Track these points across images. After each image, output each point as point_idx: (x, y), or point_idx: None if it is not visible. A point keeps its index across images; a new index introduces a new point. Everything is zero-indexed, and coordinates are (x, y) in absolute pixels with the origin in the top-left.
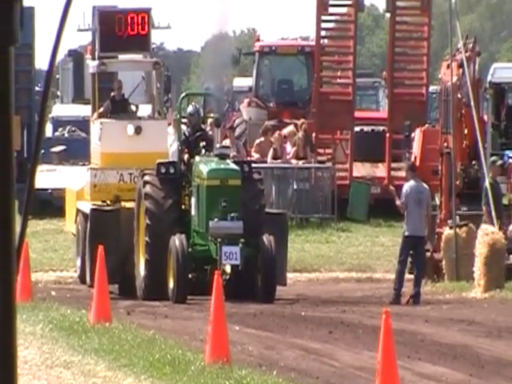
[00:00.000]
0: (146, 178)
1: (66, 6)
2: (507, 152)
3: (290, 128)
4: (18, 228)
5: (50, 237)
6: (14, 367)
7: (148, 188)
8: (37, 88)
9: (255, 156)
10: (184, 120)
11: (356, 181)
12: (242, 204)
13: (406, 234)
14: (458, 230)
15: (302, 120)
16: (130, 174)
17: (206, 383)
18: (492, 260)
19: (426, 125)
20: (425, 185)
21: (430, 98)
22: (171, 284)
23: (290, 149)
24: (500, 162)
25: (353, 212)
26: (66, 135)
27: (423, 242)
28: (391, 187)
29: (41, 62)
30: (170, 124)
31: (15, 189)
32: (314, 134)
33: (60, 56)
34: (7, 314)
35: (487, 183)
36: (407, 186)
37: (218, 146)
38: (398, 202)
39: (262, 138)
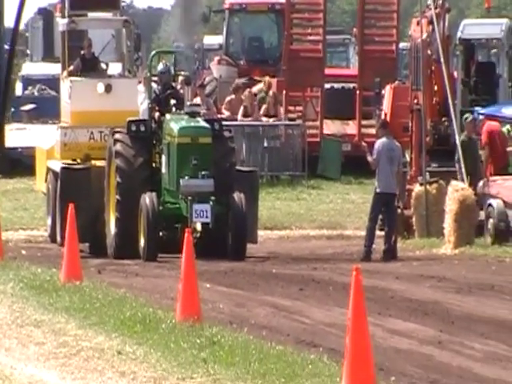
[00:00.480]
0: (117, 136)
1: None
2: (477, 108)
3: (260, 86)
4: None
5: (21, 196)
6: None
7: (118, 146)
8: (6, 47)
9: (226, 113)
10: (154, 78)
11: (327, 138)
12: (212, 162)
13: (378, 190)
14: (428, 186)
15: (267, 78)
16: (101, 133)
17: (176, 341)
18: (462, 216)
19: (396, 82)
20: (397, 142)
21: (400, 54)
22: (142, 242)
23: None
24: (471, 118)
25: (325, 169)
26: (36, 94)
27: (394, 199)
28: (363, 143)
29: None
30: (140, 82)
31: None
32: (284, 92)
33: (30, 14)
34: None
35: (457, 140)
36: (379, 143)
37: (188, 103)
38: (369, 159)
39: (233, 96)
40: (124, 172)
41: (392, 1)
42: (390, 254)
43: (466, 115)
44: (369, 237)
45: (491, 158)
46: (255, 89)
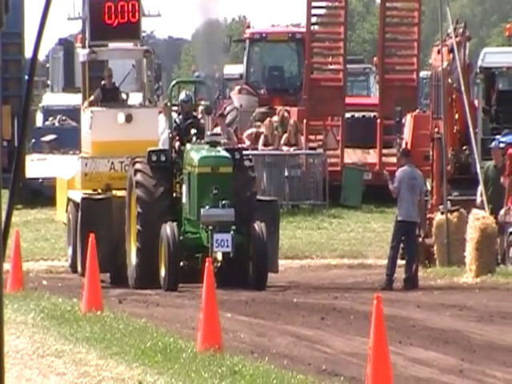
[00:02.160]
0: (137, 166)
1: None
2: (498, 137)
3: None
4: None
5: (41, 226)
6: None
7: (139, 176)
8: (27, 77)
9: (247, 143)
10: (175, 108)
11: (349, 167)
12: (233, 191)
13: (399, 218)
14: (449, 215)
15: (280, 107)
16: (121, 163)
17: (197, 371)
18: (483, 245)
19: (417, 110)
20: (419, 171)
21: (420, 83)
22: (163, 272)
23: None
24: (494, 145)
25: (346, 198)
26: (57, 124)
27: (415, 228)
28: (385, 171)
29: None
30: (160, 112)
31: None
32: (304, 121)
33: (50, 45)
34: None
35: (478, 168)
36: (401, 171)
37: (208, 133)
38: (391, 187)
39: (254, 129)
40: (145, 202)
41: (413, 30)
42: (411, 283)
43: (494, 143)
44: (390, 265)
45: None
46: (275, 118)
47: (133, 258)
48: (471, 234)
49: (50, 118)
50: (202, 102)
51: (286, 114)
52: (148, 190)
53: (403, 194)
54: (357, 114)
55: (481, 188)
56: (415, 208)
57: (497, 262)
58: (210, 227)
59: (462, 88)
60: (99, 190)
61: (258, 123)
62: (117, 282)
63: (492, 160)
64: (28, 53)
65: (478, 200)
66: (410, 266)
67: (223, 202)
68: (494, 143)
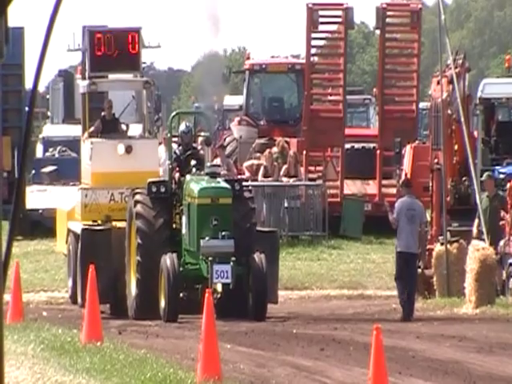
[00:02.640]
0: (137, 197)
1: (49, 27)
2: (497, 167)
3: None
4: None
5: (41, 257)
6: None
7: (139, 207)
8: (27, 108)
9: (247, 174)
10: (175, 139)
11: (349, 198)
12: (233, 222)
13: (398, 250)
14: (448, 246)
15: (280, 138)
16: (121, 194)
17: None
18: (483, 276)
19: (417, 141)
20: (419, 201)
21: (420, 114)
22: (162, 303)
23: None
24: (486, 176)
25: (346, 229)
26: (57, 155)
27: (415, 259)
28: (386, 202)
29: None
30: (160, 143)
31: (4, 209)
32: (304, 152)
33: (50, 76)
34: None
35: (478, 199)
36: (400, 202)
37: (208, 164)
38: (390, 218)
39: (254, 161)
40: (145, 233)
41: (412, 60)
42: (412, 314)
43: (486, 174)
44: (401, 296)
45: None
46: (275, 149)
47: (133, 289)
48: (471, 265)
49: (50, 149)
50: (202, 133)
51: (285, 145)
52: (148, 221)
53: (402, 225)
54: (356, 145)
55: (477, 220)
56: (414, 239)
57: (496, 293)
58: (210, 258)
59: (462, 119)
60: (99, 221)
61: (258, 154)
62: (117, 313)
63: (485, 191)
64: (28, 84)
65: (474, 231)
66: (411, 298)
67: (223, 233)
68: (485, 174)
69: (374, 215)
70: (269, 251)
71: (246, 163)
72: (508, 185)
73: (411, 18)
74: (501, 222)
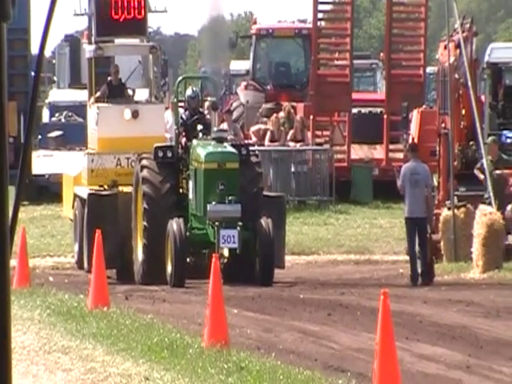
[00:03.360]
0: (144, 162)
1: None
2: (505, 132)
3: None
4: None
5: (48, 222)
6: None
7: (145, 172)
8: (33, 73)
9: (253, 139)
10: (181, 104)
11: (357, 165)
12: (239, 187)
13: (405, 215)
14: (456, 210)
15: (287, 103)
16: (128, 159)
17: (204, 366)
18: (490, 241)
19: (424, 106)
20: (424, 165)
21: (427, 79)
22: (169, 268)
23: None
24: (491, 140)
25: (357, 195)
26: (63, 120)
27: (423, 223)
28: (395, 168)
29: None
30: (167, 108)
31: (10, 174)
32: (311, 117)
33: (56, 41)
34: (2, 298)
35: (485, 164)
36: (404, 167)
37: (215, 129)
38: (398, 183)
39: (261, 125)
40: (151, 198)
41: (419, 25)
42: (426, 277)
43: (490, 138)
44: (411, 262)
45: None
46: (281, 114)
47: (139, 254)
48: (478, 230)
49: (57, 114)
50: (209, 98)
51: (292, 109)
52: (154, 186)
53: (407, 190)
54: (363, 110)
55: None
56: (420, 203)
57: (504, 258)
58: (217, 223)
59: (469, 83)
60: (105, 186)
61: (265, 119)
62: (123, 278)
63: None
64: (34, 49)
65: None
66: (424, 261)
67: (230, 197)
68: (489, 138)
69: (381, 180)
70: (276, 216)
71: (253, 128)
72: None
73: None
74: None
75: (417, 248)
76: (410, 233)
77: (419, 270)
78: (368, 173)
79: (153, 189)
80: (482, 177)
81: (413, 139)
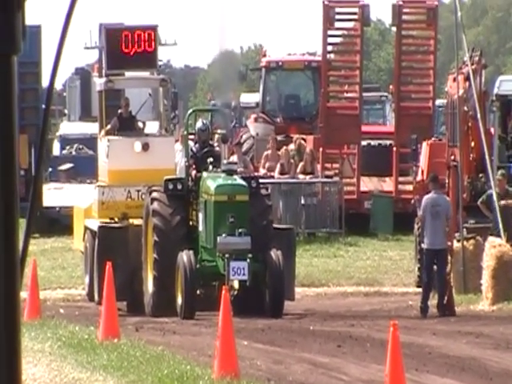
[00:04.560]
0: (154, 194)
1: (66, 23)
2: None
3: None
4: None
5: (58, 255)
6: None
7: (156, 205)
8: (44, 106)
9: (263, 171)
10: (191, 136)
11: (377, 195)
12: (249, 220)
13: (424, 247)
14: (465, 242)
15: (297, 136)
16: (138, 191)
17: None
18: (499, 272)
19: (433, 138)
20: (445, 197)
21: (436, 111)
22: (179, 300)
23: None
24: (500, 174)
25: (377, 227)
26: (74, 153)
27: (443, 254)
28: (416, 197)
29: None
30: (177, 140)
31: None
32: (320, 149)
33: (67, 74)
34: (12, 331)
35: (494, 196)
36: (425, 199)
37: (225, 161)
38: (419, 214)
39: (270, 151)
40: (161, 231)
41: (428, 58)
42: (443, 310)
43: (500, 172)
44: (424, 293)
45: None
46: (291, 147)
47: (149, 286)
48: (487, 262)
49: (67, 147)
50: (219, 131)
51: (302, 142)
52: (165, 218)
53: (427, 222)
54: (373, 142)
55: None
56: (441, 234)
57: None
58: (227, 255)
59: (478, 116)
60: (116, 219)
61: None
62: (133, 310)
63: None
64: (45, 82)
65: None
66: (442, 293)
67: (240, 230)
68: (499, 172)
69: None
70: (285, 248)
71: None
72: None
73: (427, 14)
74: None
75: (416, 280)
76: (428, 264)
77: (430, 302)
78: (389, 203)
79: (163, 221)
80: (485, 211)
81: (422, 172)
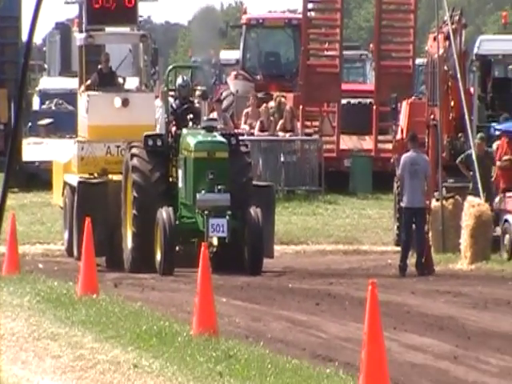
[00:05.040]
0: (134, 150)
1: None
2: (493, 124)
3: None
4: None
5: (38, 210)
6: None
7: (135, 161)
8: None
9: (243, 127)
10: (171, 93)
11: (357, 155)
12: (229, 177)
13: (403, 205)
14: (444, 202)
15: (277, 93)
16: (118, 147)
17: (192, 354)
18: (478, 232)
19: (413, 97)
20: (424, 156)
21: (416, 70)
22: (158, 256)
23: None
24: (479, 137)
25: (356, 186)
26: (54, 108)
27: (421, 213)
28: (395, 156)
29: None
30: (157, 97)
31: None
32: (300, 107)
33: (47, 29)
34: None
35: (473, 155)
36: (404, 157)
37: (205, 118)
38: (397, 173)
39: (250, 109)
40: (141, 187)
41: (409, 16)
42: (422, 268)
43: (479, 135)
44: (403, 252)
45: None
46: (271, 103)
47: (129, 243)
48: (466, 221)
49: (47, 102)
50: (199, 87)
51: (282, 99)
52: (144, 174)
53: (406, 180)
54: (353, 101)
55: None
56: (419, 193)
57: (491, 249)
58: (206, 212)
59: (458, 75)
60: (95, 174)
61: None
62: (112, 266)
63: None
64: (25, 37)
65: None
66: (420, 252)
67: (219, 186)
68: (478, 136)
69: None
70: (265, 206)
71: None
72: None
73: None
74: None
75: (395, 239)
76: (407, 223)
77: (409, 261)
78: (368, 163)
79: (142, 177)
80: (464, 171)
81: (402, 131)
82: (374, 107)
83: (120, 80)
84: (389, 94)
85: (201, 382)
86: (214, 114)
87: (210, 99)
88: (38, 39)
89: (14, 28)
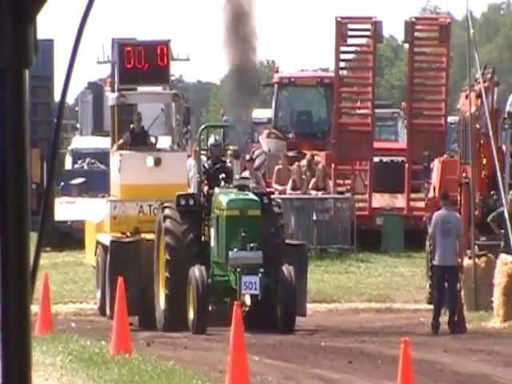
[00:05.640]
0: (166, 211)
1: (78, 37)
2: None
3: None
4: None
5: (70, 269)
6: None
7: (168, 223)
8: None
9: (275, 187)
10: (203, 152)
11: (388, 213)
12: (262, 238)
13: (434, 264)
14: (476, 260)
15: (310, 153)
16: (150, 206)
17: None
18: (511, 290)
19: (445, 155)
20: (456, 214)
21: (448, 128)
22: (191, 315)
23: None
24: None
25: (388, 245)
26: (86, 167)
27: (453, 271)
28: (427, 215)
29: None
30: (189, 156)
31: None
32: (332, 165)
33: (80, 88)
34: (23, 344)
35: (506, 213)
36: (436, 215)
37: (237, 177)
38: (429, 231)
39: (281, 166)
40: (174, 249)
41: (441, 74)
42: (455, 327)
43: (511, 192)
44: (435, 310)
45: None
46: (304, 162)
47: (161, 303)
48: (499, 279)
49: (79, 161)
50: (231, 147)
51: (314, 158)
52: (177, 237)
53: (438, 239)
54: (385, 159)
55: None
56: (451, 251)
57: None
58: (239, 269)
59: (490, 133)
60: (128, 233)
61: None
62: (145, 325)
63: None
64: (57, 96)
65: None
66: (453, 310)
67: (251, 244)
68: (511, 192)
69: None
70: (297, 264)
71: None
72: None
73: (440, 32)
74: None
75: (427, 297)
76: (439, 281)
77: (441, 319)
78: (399, 221)
79: (175, 240)
80: (495, 229)
81: (434, 189)
82: (406, 165)
83: (152, 139)
84: (421, 152)
85: None
86: (246, 173)
87: (242, 158)
88: (70, 99)
89: (47, 87)
